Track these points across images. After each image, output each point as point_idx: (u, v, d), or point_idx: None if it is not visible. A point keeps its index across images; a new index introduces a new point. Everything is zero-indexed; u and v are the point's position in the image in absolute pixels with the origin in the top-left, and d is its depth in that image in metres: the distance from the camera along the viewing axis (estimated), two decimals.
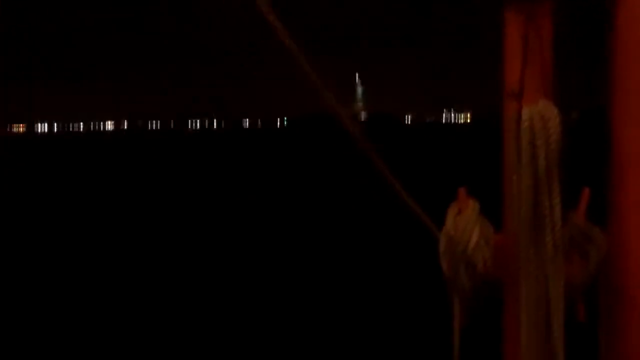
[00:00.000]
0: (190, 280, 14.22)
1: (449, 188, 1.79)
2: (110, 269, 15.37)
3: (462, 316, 1.77)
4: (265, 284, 13.76)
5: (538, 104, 1.59)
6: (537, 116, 1.57)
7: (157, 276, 14.65)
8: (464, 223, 1.72)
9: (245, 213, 24.47)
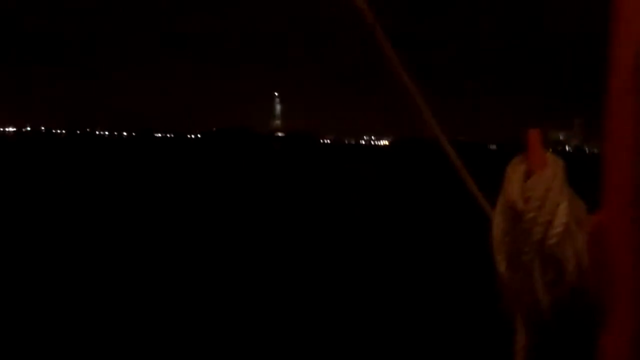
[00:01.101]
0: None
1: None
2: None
3: (528, 345, 1.09)
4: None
5: None
6: None
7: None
8: (541, 190, 1.00)
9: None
